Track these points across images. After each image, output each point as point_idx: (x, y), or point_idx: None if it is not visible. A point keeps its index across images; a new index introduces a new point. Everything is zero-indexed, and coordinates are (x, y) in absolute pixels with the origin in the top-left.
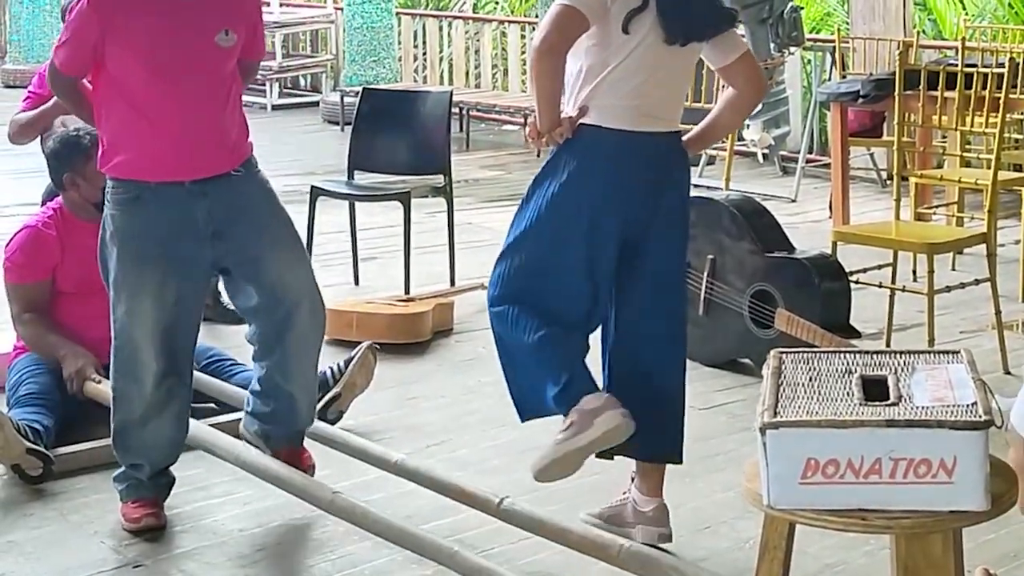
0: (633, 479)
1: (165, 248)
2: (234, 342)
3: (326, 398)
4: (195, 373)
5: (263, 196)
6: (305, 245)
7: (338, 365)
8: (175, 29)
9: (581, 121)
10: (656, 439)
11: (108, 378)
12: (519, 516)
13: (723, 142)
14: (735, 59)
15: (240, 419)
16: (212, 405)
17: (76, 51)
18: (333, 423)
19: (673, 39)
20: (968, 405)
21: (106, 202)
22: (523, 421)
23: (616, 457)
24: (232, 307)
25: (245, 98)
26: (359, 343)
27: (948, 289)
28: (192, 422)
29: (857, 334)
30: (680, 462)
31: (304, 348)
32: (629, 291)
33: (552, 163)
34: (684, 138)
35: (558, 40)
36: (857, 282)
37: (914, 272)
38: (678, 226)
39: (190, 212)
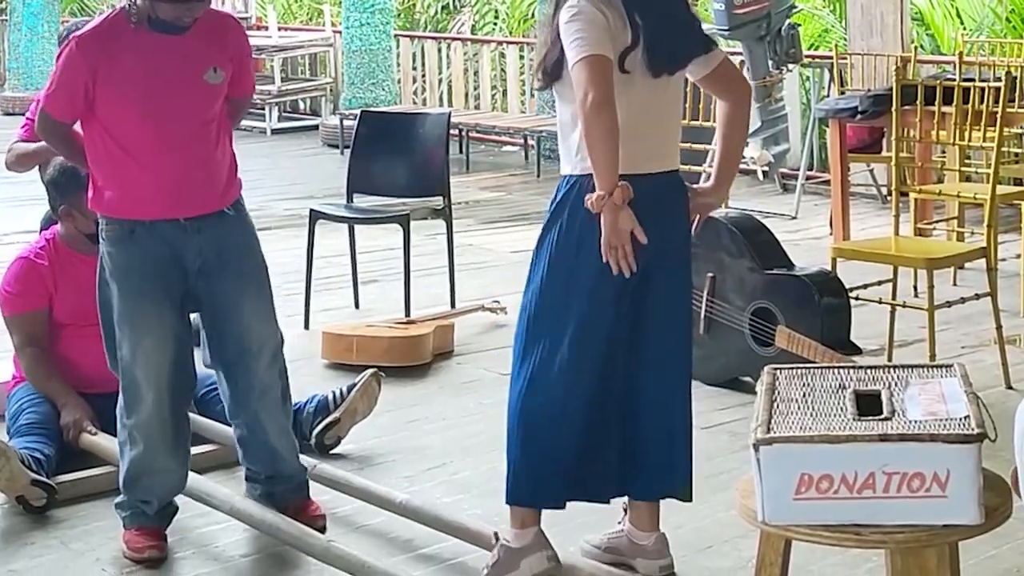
0: (626, 511)
1: (161, 282)
2: None
3: (324, 423)
4: (195, 417)
5: (249, 242)
6: (305, 269)
7: (340, 391)
8: (163, 68)
9: (579, 173)
10: (664, 476)
11: (103, 430)
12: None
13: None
14: (716, 66)
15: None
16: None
17: (66, 96)
18: (330, 448)
19: (660, 72)
20: (961, 419)
21: (101, 240)
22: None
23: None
24: None
25: (245, 123)
26: (360, 366)
27: (949, 304)
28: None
29: (858, 350)
30: (690, 499)
31: (271, 397)
32: (635, 330)
33: (557, 211)
34: (706, 186)
35: (606, 92)
36: (857, 298)
37: (915, 288)
38: (683, 264)
39: (182, 248)
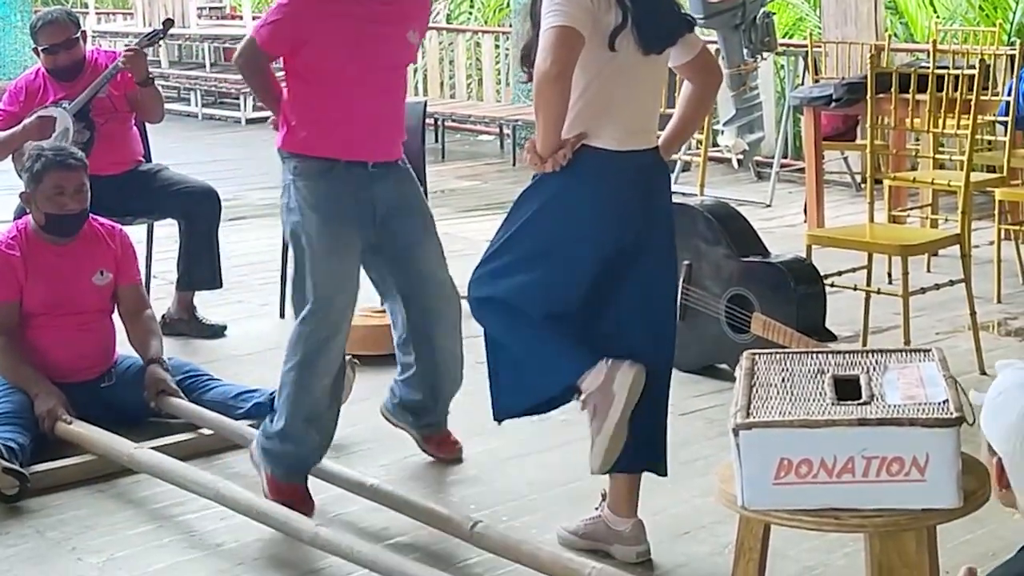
0: (604, 496)
1: (350, 220)
2: (211, 356)
3: None
4: (177, 400)
5: (417, 188)
6: (280, 258)
7: None
8: (378, 21)
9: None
10: (643, 448)
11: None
12: (491, 541)
13: (697, 148)
14: (696, 54)
15: (210, 434)
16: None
17: (284, 31)
18: None
19: (650, 50)
20: (940, 403)
21: (293, 176)
22: (498, 420)
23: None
24: (209, 322)
25: (219, 112)
26: None
27: (923, 291)
28: (166, 459)
29: (833, 337)
30: (665, 474)
31: (454, 334)
32: (619, 304)
33: (540, 185)
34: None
35: (566, 62)
36: (832, 285)
37: (889, 274)
38: (666, 238)
39: (369, 193)
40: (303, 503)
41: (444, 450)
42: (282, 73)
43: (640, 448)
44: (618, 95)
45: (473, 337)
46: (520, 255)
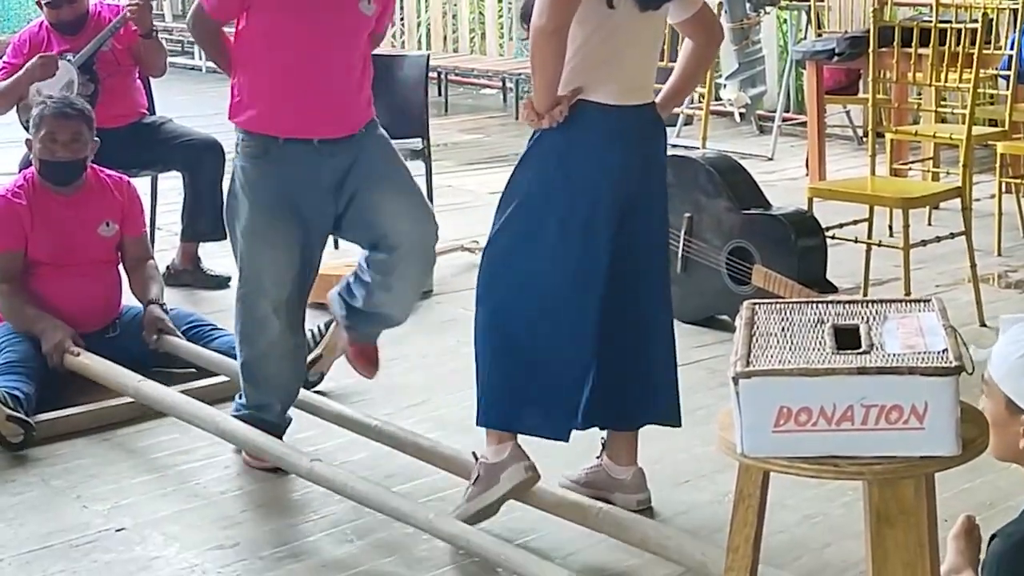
0: (604, 444)
1: (293, 202)
2: (215, 307)
3: (307, 360)
4: (175, 339)
5: (382, 147)
6: None
7: (318, 328)
8: None
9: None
10: (647, 405)
11: (88, 349)
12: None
13: (700, 102)
14: (696, 11)
15: (218, 382)
16: (192, 370)
17: None
18: (314, 385)
19: (647, 6)
20: (939, 352)
21: (237, 154)
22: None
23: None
24: (213, 273)
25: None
26: None
27: (924, 243)
28: (171, 391)
29: (834, 289)
30: (679, 424)
31: (412, 283)
32: (615, 261)
33: (539, 144)
34: (656, 100)
35: (563, 19)
36: (833, 237)
37: (890, 227)
38: (662, 194)
39: (316, 170)
40: None
41: (362, 361)
42: None
43: (643, 404)
44: (616, 51)
45: None
46: (526, 227)
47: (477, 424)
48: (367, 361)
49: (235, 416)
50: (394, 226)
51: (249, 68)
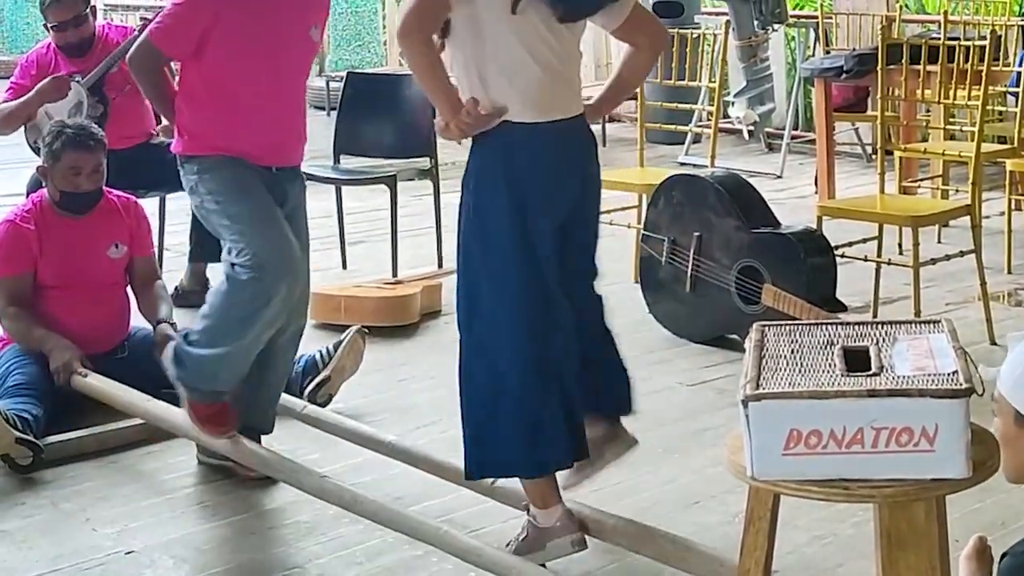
0: (527, 507)
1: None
2: None
3: (315, 381)
4: None
5: (302, 185)
6: None
7: (327, 349)
8: (280, 22)
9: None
10: (614, 391)
11: (97, 371)
12: (512, 495)
13: (708, 120)
14: (628, 15)
15: None
16: None
17: (183, 33)
18: (323, 406)
19: (566, 17)
20: (949, 374)
21: (195, 177)
22: (477, 477)
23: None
24: None
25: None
26: (348, 326)
27: (933, 261)
28: (180, 412)
29: (843, 308)
30: (631, 410)
31: (287, 355)
32: (564, 275)
33: (470, 173)
34: (589, 103)
35: (413, 22)
36: (843, 256)
37: (900, 245)
38: (597, 205)
39: (275, 192)
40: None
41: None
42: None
43: (613, 390)
44: (540, 64)
45: None
46: (469, 261)
47: (466, 478)
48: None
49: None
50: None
51: (200, 103)
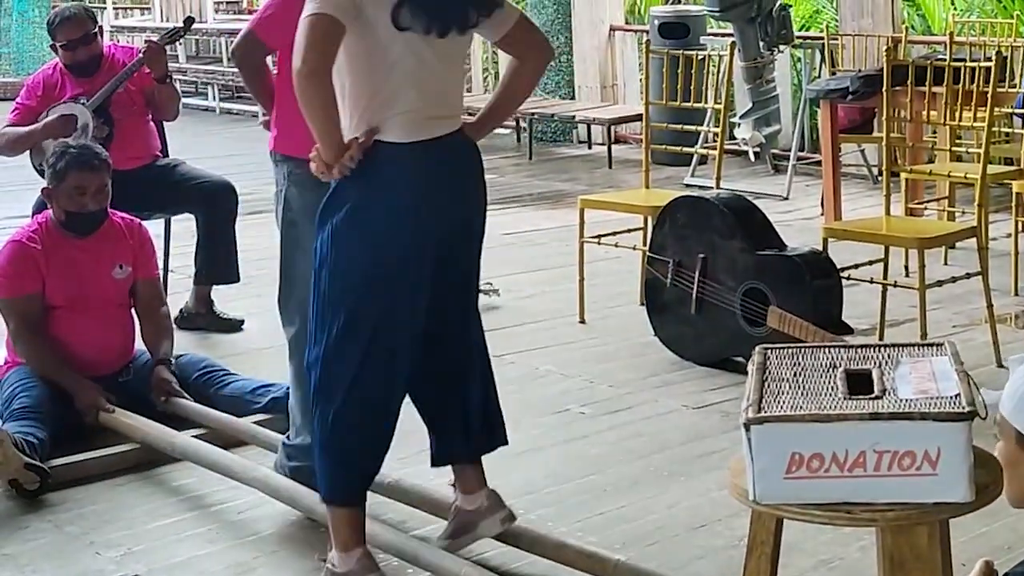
0: (454, 486)
1: None
2: (228, 351)
3: None
4: (183, 401)
5: None
6: None
7: None
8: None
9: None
10: (487, 432)
11: (118, 405)
12: (515, 535)
13: (714, 141)
14: (511, 27)
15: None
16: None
17: (290, 22)
18: None
19: (431, 30)
20: (952, 397)
21: (286, 183)
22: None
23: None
24: (226, 316)
25: (238, 107)
26: None
27: (940, 284)
28: (213, 449)
29: (849, 330)
30: (507, 442)
31: None
32: (446, 297)
33: (338, 195)
34: (467, 124)
35: (317, 58)
36: (849, 278)
37: (906, 267)
38: (483, 223)
39: None
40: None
41: None
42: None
43: (481, 433)
44: (414, 81)
45: (498, 329)
46: (340, 304)
47: (322, 500)
48: None
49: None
50: None
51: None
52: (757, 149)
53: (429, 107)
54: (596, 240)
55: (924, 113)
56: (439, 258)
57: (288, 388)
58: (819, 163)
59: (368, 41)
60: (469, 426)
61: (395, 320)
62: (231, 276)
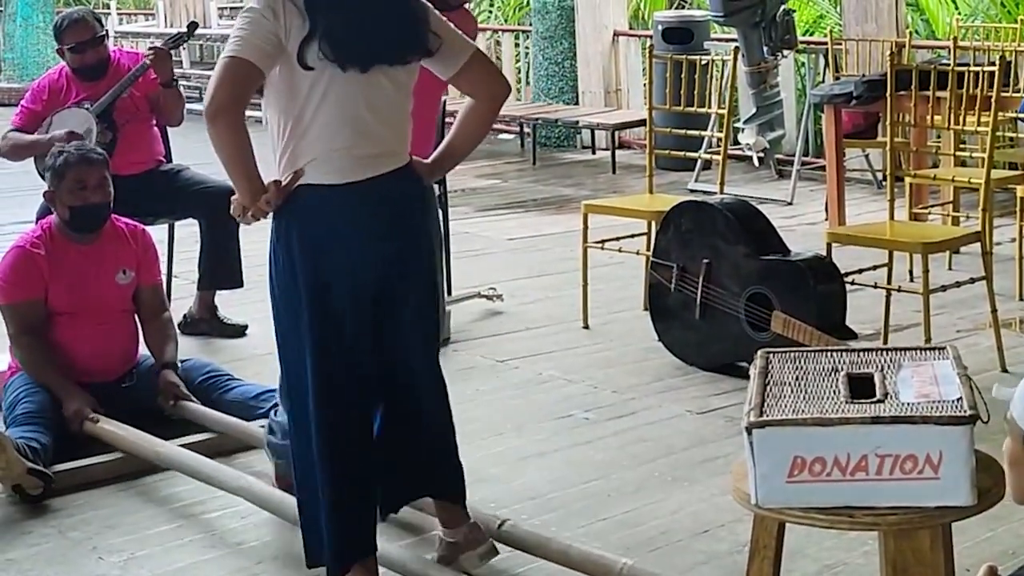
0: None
1: None
2: (232, 356)
3: None
4: (191, 404)
5: None
6: None
7: None
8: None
9: (298, 183)
10: (448, 475)
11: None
12: (520, 539)
13: (717, 146)
14: (463, 64)
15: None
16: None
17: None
18: None
19: (346, 65)
20: (953, 400)
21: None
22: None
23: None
24: (230, 321)
25: (249, 113)
26: None
27: (944, 288)
28: (195, 456)
29: (853, 335)
30: (462, 494)
31: None
32: (387, 340)
33: (273, 244)
34: (421, 164)
35: (226, 98)
36: (853, 283)
37: (910, 272)
38: (426, 262)
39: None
40: None
41: None
42: None
43: (446, 474)
44: (343, 119)
45: (502, 334)
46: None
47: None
48: None
49: None
50: None
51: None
52: (761, 154)
53: (360, 145)
54: (600, 245)
55: (928, 118)
56: (377, 299)
57: None
58: (823, 168)
59: (291, 78)
60: (435, 464)
61: (332, 361)
62: (235, 281)
